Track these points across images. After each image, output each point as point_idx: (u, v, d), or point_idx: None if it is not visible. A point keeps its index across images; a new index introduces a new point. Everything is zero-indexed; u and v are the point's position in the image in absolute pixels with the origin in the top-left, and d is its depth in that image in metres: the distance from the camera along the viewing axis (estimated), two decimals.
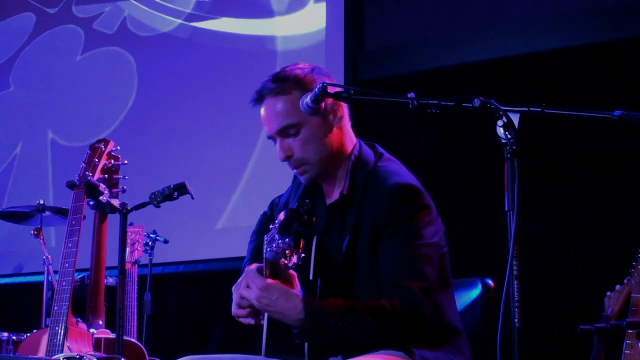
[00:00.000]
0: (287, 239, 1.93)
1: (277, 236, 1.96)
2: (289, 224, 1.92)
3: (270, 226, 2.01)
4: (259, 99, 2.33)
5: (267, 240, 2.02)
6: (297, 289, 2.05)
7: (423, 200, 2.25)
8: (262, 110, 2.34)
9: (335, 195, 2.34)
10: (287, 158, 2.31)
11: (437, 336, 2.23)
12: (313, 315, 2.04)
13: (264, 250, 2.02)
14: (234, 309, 2.30)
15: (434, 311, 2.20)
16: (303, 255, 1.96)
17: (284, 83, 2.29)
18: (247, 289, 2.09)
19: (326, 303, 2.09)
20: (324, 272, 2.19)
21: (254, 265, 2.10)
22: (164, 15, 5.80)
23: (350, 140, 2.37)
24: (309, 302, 2.05)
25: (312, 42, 5.07)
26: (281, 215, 1.96)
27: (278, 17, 5.30)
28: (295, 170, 2.35)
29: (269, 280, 2.01)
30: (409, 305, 2.11)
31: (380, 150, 2.40)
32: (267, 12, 5.35)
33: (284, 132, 2.30)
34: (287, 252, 1.95)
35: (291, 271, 2.02)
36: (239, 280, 2.36)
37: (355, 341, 2.17)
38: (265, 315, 2.26)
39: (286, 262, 1.96)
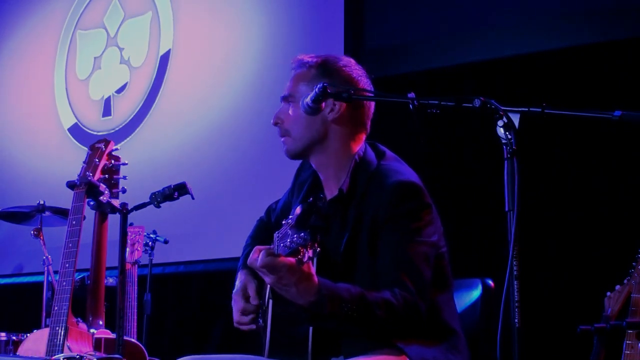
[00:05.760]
0: (302, 233, 1.88)
1: (290, 231, 1.91)
2: (306, 218, 1.87)
3: (283, 222, 1.97)
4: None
5: (278, 236, 1.98)
6: (313, 272, 2.03)
7: (424, 199, 2.26)
8: None
9: (334, 191, 2.35)
10: (276, 124, 2.42)
11: (435, 335, 2.24)
12: (324, 298, 2.03)
13: (276, 247, 1.98)
14: (237, 316, 2.31)
15: (431, 310, 2.20)
16: (319, 249, 1.90)
17: (315, 59, 2.39)
18: (266, 268, 2.00)
19: (339, 289, 2.08)
20: (324, 269, 2.19)
21: (264, 249, 2.02)
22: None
23: (357, 143, 2.38)
24: (323, 285, 2.04)
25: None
26: (298, 210, 1.91)
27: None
28: (281, 139, 2.42)
29: (292, 260, 1.95)
30: (407, 301, 2.13)
31: (382, 148, 2.42)
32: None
33: (285, 100, 2.41)
34: (300, 248, 1.89)
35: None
36: (236, 289, 2.36)
37: (358, 329, 2.17)
38: (269, 316, 2.27)
39: (300, 257, 1.90)
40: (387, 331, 2.17)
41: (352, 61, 2.42)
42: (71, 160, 4.70)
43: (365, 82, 2.40)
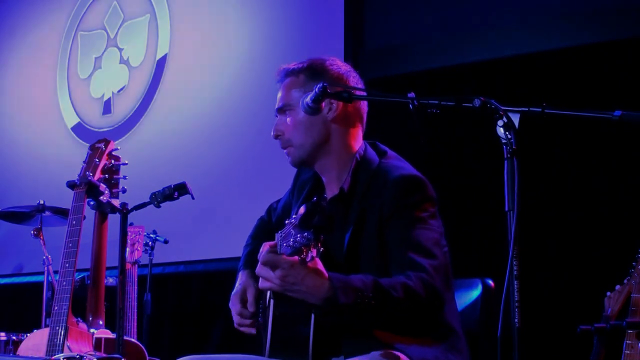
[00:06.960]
0: (305, 233, 1.85)
1: (293, 231, 1.89)
2: (310, 217, 1.85)
3: (286, 221, 1.96)
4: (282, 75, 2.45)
5: (281, 236, 1.96)
6: (321, 267, 2.00)
7: (427, 191, 2.26)
8: None
9: (335, 191, 2.35)
10: (277, 137, 2.41)
11: (435, 335, 2.23)
12: (339, 291, 1.99)
13: (279, 246, 1.97)
14: (237, 320, 2.32)
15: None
16: (322, 249, 1.89)
17: (300, 65, 2.40)
18: (266, 268, 1.99)
19: (352, 279, 2.04)
20: (327, 269, 2.18)
21: (268, 245, 2.01)
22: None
23: (356, 141, 2.39)
24: (335, 279, 2.00)
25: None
26: (302, 209, 1.89)
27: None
28: (284, 151, 2.42)
29: (296, 258, 1.93)
30: (423, 280, 2.09)
31: (383, 147, 2.42)
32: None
33: (281, 111, 2.40)
34: (303, 248, 1.87)
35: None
36: (235, 291, 2.36)
37: (377, 319, 2.13)
38: (271, 316, 2.26)
39: (303, 256, 1.89)
40: (407, 315, 2.12)
41: (337, 59, 2.44)
42: (73, 159, 4.71)
43: (354, 76, 2.42)
